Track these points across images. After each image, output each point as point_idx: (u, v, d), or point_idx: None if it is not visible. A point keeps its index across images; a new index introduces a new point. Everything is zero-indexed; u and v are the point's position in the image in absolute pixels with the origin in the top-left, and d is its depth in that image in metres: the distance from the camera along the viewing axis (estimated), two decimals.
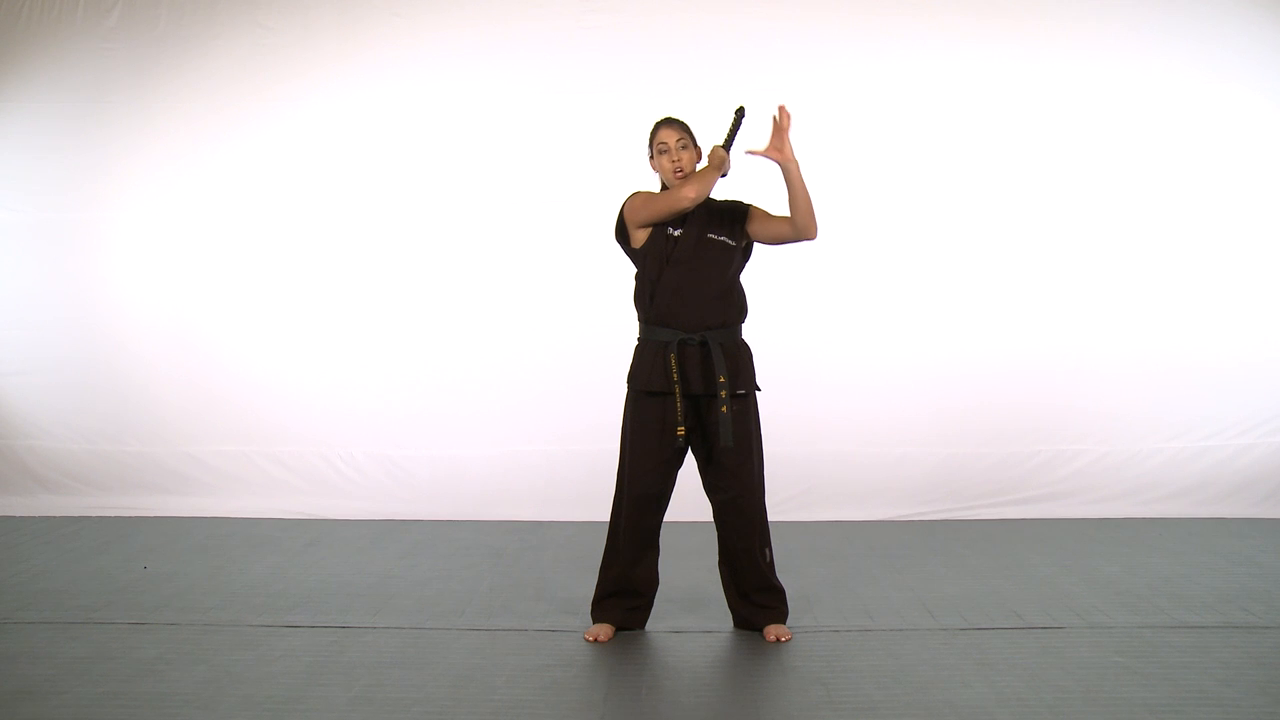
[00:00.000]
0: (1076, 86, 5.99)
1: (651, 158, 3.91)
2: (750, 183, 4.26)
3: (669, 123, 3.90)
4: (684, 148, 3.86)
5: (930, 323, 6.00)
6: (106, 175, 6.12)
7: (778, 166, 3.74)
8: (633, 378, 3.87)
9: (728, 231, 3.86)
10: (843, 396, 5.96)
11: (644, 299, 3.86)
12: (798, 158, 3.72)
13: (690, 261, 3.80)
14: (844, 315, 6.00)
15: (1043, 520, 5.85)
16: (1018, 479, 5.98)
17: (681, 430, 3.75)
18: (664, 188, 3.92)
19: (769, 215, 3.88)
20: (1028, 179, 6.01)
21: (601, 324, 5.54)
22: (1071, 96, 5.99)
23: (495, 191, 6.04)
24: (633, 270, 3.93)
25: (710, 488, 3.90)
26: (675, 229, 3.83)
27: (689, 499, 4.11)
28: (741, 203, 3.94)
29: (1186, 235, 6.02)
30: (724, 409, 3.72)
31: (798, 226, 3.79)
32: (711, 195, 3.88)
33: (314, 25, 6.08)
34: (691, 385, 3.77)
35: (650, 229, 3.84)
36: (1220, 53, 5.99)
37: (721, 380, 3.73)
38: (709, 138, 3.96)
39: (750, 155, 3.78)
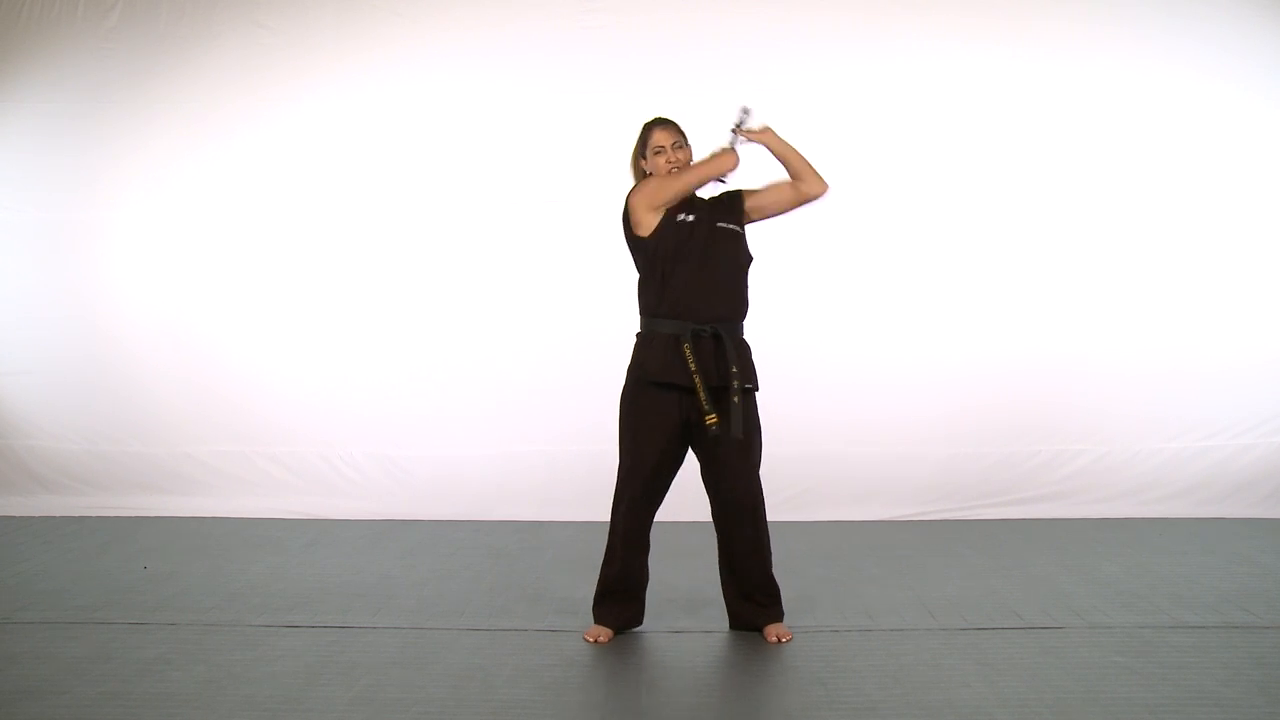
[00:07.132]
0: (1077, 87, 5.99)
1: (642, 159, 3.90)
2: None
3: (662, 124, 3.90)
4: (678, 147, 3.86)
5: (930, 323, 6.00)
6: (106, 175, 6.12)
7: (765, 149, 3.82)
8: (641, 368, 3.81)
9: (733, 219, 3.87)
10: (843, 396, 5.96)
11: (654, 289, 3.81)
12: (768, 126, 3.80)
13: (704, 251, 3.79)
14: (844, 315, 5.99)
15: (1043, 520, 5.85)
16: (1018, 479, 5.98)
17: (713, 418, 3.68)
18: None
19: (761, 189, 3.92)
20: (1028, 179, 6.00)
21: (601, 323, 5.53)
22: (1072, 98, 5.99)
23: (494, 191, 6.03)
24: (633, 268, 3.92)
25: (711, 486, 3.87)
26: (688, 215, 3.82)
27: (689, 499, 4.10)
28: (732, 190, 3.94)
29: (1186, 236, 6.01)
30: (735, 399, 3.71)
31: (801, 191, 3.85)
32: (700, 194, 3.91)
33: (313, 25, 6.08)
34: (708, 376, 3.74)
35: (661, 216, 3.80)
36: (1220, 55, 5.98)
37: (734, 370, 3.72)
38: (706, 137, 3.93)
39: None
